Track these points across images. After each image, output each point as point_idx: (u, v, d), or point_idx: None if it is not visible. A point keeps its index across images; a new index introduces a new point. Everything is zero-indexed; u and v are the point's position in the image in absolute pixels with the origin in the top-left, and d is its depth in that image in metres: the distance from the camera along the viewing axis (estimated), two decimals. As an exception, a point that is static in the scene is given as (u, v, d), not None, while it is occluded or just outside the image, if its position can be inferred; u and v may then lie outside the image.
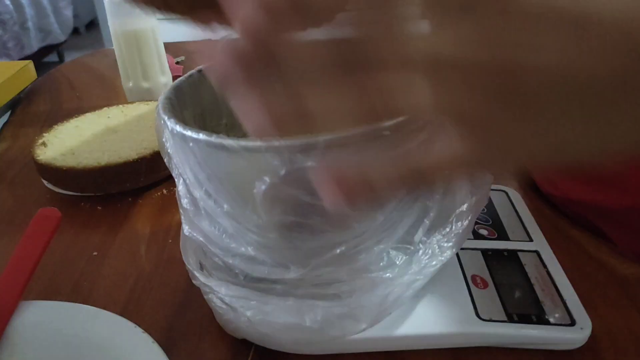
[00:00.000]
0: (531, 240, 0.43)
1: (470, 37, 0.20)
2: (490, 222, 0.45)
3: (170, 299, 0.42)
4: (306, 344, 0.34)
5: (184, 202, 0.34)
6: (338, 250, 0.31)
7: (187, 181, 0.32)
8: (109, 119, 0.65)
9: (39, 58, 3.24)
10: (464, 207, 0.34)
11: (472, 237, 0.43)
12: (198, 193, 0.32)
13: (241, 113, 0.22)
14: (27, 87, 0.88)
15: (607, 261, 0.43)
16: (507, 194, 0.49)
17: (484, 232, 0.43)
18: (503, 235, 0.43)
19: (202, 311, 0.39)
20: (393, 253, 0.34)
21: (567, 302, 0.36)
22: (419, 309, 0.36)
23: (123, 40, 0.74)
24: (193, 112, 0.38)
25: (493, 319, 0.35)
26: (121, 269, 0.46)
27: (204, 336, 0.38)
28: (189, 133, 0.30)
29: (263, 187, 0.28)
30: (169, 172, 0.33)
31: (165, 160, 0.33)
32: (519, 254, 0.41)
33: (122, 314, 0.37)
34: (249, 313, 0.33)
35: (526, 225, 0.44)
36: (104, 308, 0.37)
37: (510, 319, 0.35)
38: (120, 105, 0.69)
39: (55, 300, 0.40)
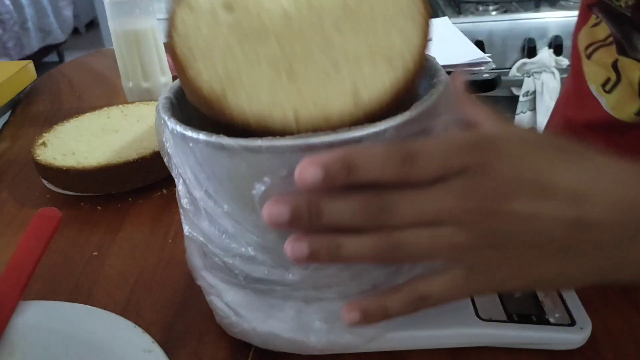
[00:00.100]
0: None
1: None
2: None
3: (170, 299, 0.42)
4: (308, 345, 0.34)
5: (184, 202, 0.34)
6: None
7: (187, 181, 0.32)
8: (109, 119, 0.65)
9: (39, 58, 3.24)
10: None
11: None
12: (198, 193, 0.32)
13: (287, 244, 0.28)
14: (27, 87, 0.88)
15: (607, 261, 0.43)
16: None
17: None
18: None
19: (202, 311, 0.39)
20: None
21: (567, 302, 0.36)
22: (419, 309, 0.36)
23: (123, 40, 0.74)
24: (193, 112, 0.38)
25: (493, 318, 0.35)
26: (121, 269, 0.46)
27: (204, 336, 0.38)
28: (189, 133, 0.29)
29: (263, 187, 0.28)
30: (169, 172, 0.33)
31: (165, 160, 0.33)
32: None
33: (122, 314, 0.37)
34: (252, 322, 0.34)
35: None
36: (104, 308, 0.37)
37: (510, 319, 0.35)
38: (120, 105, 0.69)
39: (55, 300, 0.40)
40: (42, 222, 0.39)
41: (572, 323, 0.35)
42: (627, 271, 0.30)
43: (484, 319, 0.35)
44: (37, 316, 0.37)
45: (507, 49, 1.58)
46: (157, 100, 0.47)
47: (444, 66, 0.32)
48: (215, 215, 0.32)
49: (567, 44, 1.56)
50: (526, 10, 1.64)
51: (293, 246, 0.28)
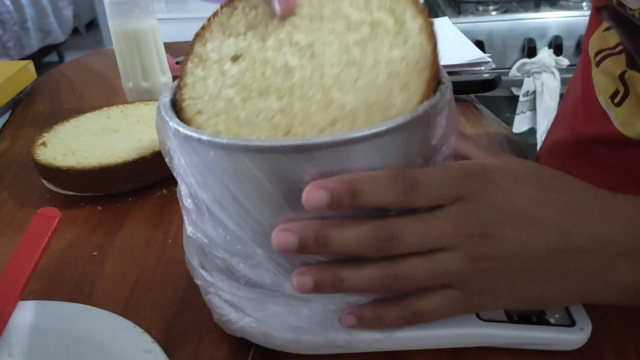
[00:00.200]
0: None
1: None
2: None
3: (170, 299, 0.42)
4: (308, 344, 0.34)
5: (186, 202, 0.34)
6: None
7: (189, 181, 0.32)
8: (109, 119, 0.65)
9: (39, 58, 3.24)
10: None
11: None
12: (200, 193, 0.32)
13: (293, 277, 0.30)
14: (27, 87, 0.88)
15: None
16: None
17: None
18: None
19: (202, 311, 0.39)
20: None
21: (567, 302, 0.36)
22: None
23: (123, 40, 0.74)
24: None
25: (493, 319, 0.35)
26: (121, 269, 0.46)
27: (204, 336, 0.38)
28: (190, 133, 0.29)
29: (264, 187, 0.29)
30: (169, 172, 0.33)
31: (166, 160, 0.33)
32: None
33: (122, 314, 0.37)
34: (252, 318, 0.34)
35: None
36: (104, 308, 0.38)
37: (511, 320, 0.35)
38: (120, 105, 0.69)
39: (55, 300, 0.40)
40: (42, 222, 0.39)
41: (572, 323, 0.35)
42: (610, 293, 0.32)
43: (484, 320, 0.35)
44: (37, 316, 0.37)
45: (507, 49, 1.58)
46: (157, 100, 0.48)
47: (444, 66, 0.32)
48: (218, 216, 0.32)
49: (567, 44, 1.56)
50: (526, 10, 1.64)
51: (298, 280, 0.30)
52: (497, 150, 0.36)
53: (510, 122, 1.55)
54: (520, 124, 1.56)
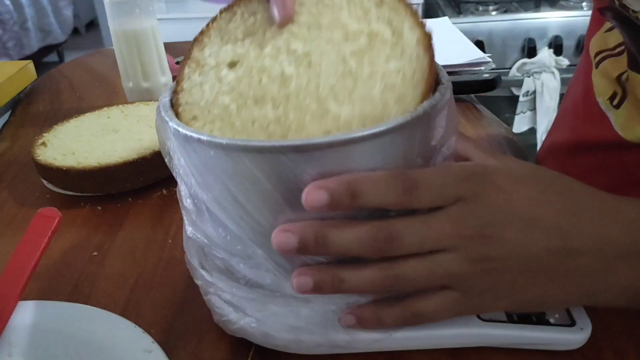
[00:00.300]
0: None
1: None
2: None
3: (170, 299, 0.42)
4: (307, 344, 0.34)
5: (186, 202, 0.34)
6: None
7: (189, 181, 0.32)
8: (109, 119, 0.65)
9: (39, 58, 3.24)
10: None
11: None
12: (199, 193, 0.32)
13: (293, 276, 0.30)
14: (27, 87, 0.88)
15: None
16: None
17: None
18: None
19: (202, 311, 0.39)
20: None
21: (567, 302, 0.36)
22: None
23: (123, 40, 0.74)
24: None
25: (493, 319, 0.35)
26: (121, 269, 0.46)
27: (204, 336, 0.38)
28: (190, 133, 0.29)
29: (264, 187, 0.29)
30: (169, 172, 0.33)
31: (166, 160, 0.33)
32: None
33: (122, 314, 0.37)
34: (252, 317, 0.34)
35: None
36: (104, 308, 0.38)
37: (510, 320, 0.35)
38: (120, 105, 0.69)
39: (55, 300, 0.40)
40: (42, 222, 0.40)
41: (572, 323, 0.35)
42: (610, 295, 0.32)
43: (484, 319, 0.35)
44: (37, 316, 0.37)
45: (507, 49, 1.58)
46: (157, 100, 0.48)
47: (444, 66, 0.32)
48: (218, 216, 0.32)
49: (567, 43, 1.56)
50: (526, 10, 1.64)
51: (298, 280, 0.30)
52: (497, 151, 0.36)
53: (510, 122, 1.55)
54: (520, 124, 1.56)
